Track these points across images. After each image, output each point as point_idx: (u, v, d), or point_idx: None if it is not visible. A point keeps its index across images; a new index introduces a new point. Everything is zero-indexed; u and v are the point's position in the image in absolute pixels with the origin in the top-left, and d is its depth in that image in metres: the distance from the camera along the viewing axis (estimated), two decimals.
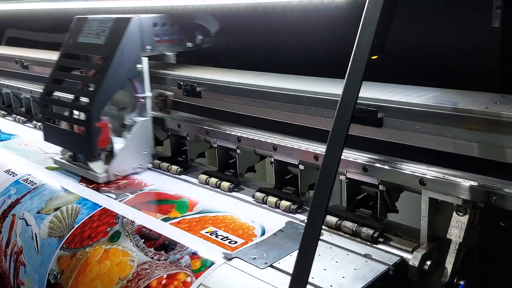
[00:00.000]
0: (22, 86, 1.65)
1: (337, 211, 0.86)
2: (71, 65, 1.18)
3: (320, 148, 0.89)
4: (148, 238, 0.86)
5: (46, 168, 1.20)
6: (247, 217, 0.91)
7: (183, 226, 0.89)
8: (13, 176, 1.18)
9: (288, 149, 0.93)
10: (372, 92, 0.83)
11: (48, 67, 1.45)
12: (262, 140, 0.97)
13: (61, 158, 1.19)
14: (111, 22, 1.11)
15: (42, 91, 1.19)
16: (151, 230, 0.88)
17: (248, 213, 0.93)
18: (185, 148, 1.17)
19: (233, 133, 1.02)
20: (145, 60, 1.10)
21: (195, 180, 1.09)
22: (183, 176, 1.12)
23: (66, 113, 1.12)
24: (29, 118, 1.64)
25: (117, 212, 0.95)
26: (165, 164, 1.15)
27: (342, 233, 0.83)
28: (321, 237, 0.81)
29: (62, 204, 1.02)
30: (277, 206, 0.95)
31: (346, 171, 0.84)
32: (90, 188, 1.07)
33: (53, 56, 1.49)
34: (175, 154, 1.19)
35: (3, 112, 1.74)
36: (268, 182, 1.06)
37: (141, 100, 1.11)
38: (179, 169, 1.13)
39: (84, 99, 1.09)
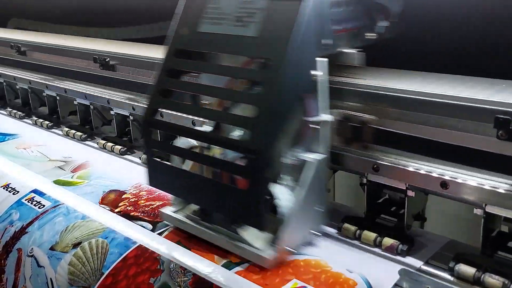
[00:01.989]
0: (19, 75, 1.40)
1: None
2: (200, 70, 0.73)
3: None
4: None
5: (54, 182, 0.97)
6: (339, 263, 0.67)
7: (255, 277, 0.65)
8: (14, 193, 0.95)
9: None
10: None
11: (51, 54, 1.28)
12: None
13: (175, 212, 0.75)
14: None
15: (145, 109, 0.73)
16: (212, 284, 0.64)
17: (338, 255, 0.69)
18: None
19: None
20: (324, 63, 0.66)
21: None
22: None
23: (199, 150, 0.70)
24: (27, 112, 1.41)
25: (159, 252, 0.71)
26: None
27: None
28: None
29: (83, 237, 0.78)
30: (376, 244, 0.71)
31: None
32: (117, 213, 0.84)
33: (56, 40, 1.30)
34: None
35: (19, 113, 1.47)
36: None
37: (315, 126, 0.68)
38: None
39: (237, 132, 0.68)
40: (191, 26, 0.73)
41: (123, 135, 1.14)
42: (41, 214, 0.87)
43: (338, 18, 0.70)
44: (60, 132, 1.27)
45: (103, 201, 0.88)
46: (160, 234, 0.76)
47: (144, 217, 0.81)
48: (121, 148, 1.10)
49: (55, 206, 0.88)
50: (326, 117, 0.68)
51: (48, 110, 1.32)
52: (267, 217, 0.63)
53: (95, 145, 1.17)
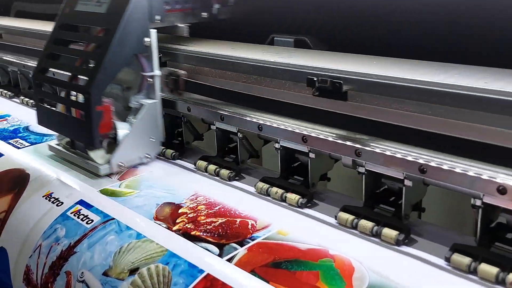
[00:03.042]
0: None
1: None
2: (68, 37, 1.00)
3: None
4: None
5: (101, 191, 0.87)
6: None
7: None
8: (58, 205, 0.84)
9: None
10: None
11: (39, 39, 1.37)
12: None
13: (57, 145, 1.02)
14: None
15: (34, 68, 1.02)
16: None
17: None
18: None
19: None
20: (153, 33, 0.93)
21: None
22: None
23: (63, 94, 0.97)
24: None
25: (232, 285, 0.60)
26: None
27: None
28: None
29: (140, 262, 0.68)
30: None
31: None
32: (175, 231, 0.73)
33: (45, 27, 1.38)
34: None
35: (9, 93, 1.50)
36: None
37: (148, 79, 0.95)
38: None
39: (83, 78, 0.93)
40: (71, 6, 1.02)
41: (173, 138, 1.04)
42: (90, 230, 0.76)
43: (168, 0, 0.99)
44: None
45: (158, 217, 0.77)
46: (229, 260, 0.65)
47: (207, 238, 0.71)
48: (173, 153, 1.00)
49: (105, 222, 0.77)
50: (156, 72, 0.95)
51: None
52: (97, 139, 0.89)
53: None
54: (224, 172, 0.90)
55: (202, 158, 0.95)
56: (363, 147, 0.70)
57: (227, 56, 0.91)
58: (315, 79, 0.73)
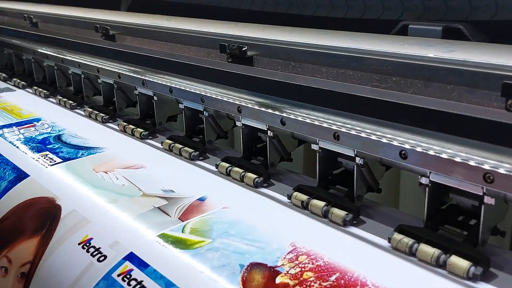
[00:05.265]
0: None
1: None
2: None
3: None
4: None
5: (159, 237, 0.61)
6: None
7: None
8: (99, 259, 0.60)
9: None
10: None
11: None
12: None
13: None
14: None
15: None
16: None
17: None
18: None
19: None
20: None
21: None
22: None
23: None
24: (79, 101, 1.18)
25: None
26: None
27: None
28: None
29: None
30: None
31: None
32: None
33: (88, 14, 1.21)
34: None
35: (44, 91, 1.30)
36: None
37: None
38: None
39: None
40: None
41: (251, 153, 0.81)
42: None
43: None
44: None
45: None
46: None
47: None
48: (256, 179, 0.73)
49: None
50: None
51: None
52: None
53: (207, 165, 0.83)
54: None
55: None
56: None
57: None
58: None
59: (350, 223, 0.62)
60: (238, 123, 0.79)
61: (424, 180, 0.56)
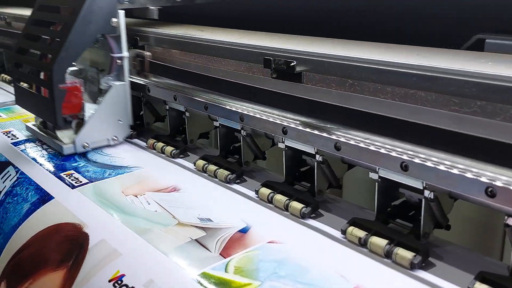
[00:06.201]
0: None
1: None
2: (43, 18, 0.97)
3: None
4: None
5: (201, 276, 0.54)
6: None
7: None
8: None
9: None
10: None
11: None
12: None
13: (33, 125, 1.00)
14: None
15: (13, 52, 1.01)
16: None
17: None
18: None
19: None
20: (121, 14, 0.91)
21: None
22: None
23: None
24: None
25: None
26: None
27: None
28: None
29: None
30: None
31: None
32: None
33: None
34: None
35: None
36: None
37: (117, 61, 0.93)
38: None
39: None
40: None
41: (294, 177, 0.74)
42: None
43: None
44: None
45: None
46: None
47: None
48: (303, 209, 0.66)
49: None
50: (125, 53, 0.93)
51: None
52: (59, 117, 0.87)
53: (245, 189, 0.75)
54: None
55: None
56: None
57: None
58: None
59: (419, 266, 0.54)
60: (280, 145, 0.71)
61: (511, 222, 0.48)
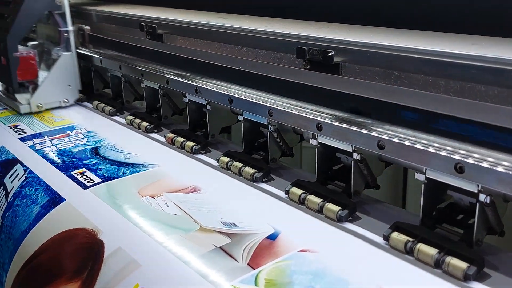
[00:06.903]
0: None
1: None
2: None
3: None
4: None
5: None
6: None
7: None
8: None
9: None
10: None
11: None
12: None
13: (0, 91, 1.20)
14: None
15: None
16: None
17: None
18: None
19: None
20: None
21: None
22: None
23: None
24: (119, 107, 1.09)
25: None
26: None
27: None
28: None
29: None
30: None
31: None
32: None
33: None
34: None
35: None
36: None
37: (64, 34, 1.10)
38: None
39: None
40: None
41: (327, 176, 0.68)
42: None
43: None
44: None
45: None
46: None
47: None
48: (340, 212, 0.60)
49: None
50: (69, 27, 1.11)
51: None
52: (15, 81, 1.06)
53: (273, 188, 0.70)
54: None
55: None
56: None
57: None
58: None
59: (473, 278, 0.49)
60: (312, 141, 0.66)
61: None
